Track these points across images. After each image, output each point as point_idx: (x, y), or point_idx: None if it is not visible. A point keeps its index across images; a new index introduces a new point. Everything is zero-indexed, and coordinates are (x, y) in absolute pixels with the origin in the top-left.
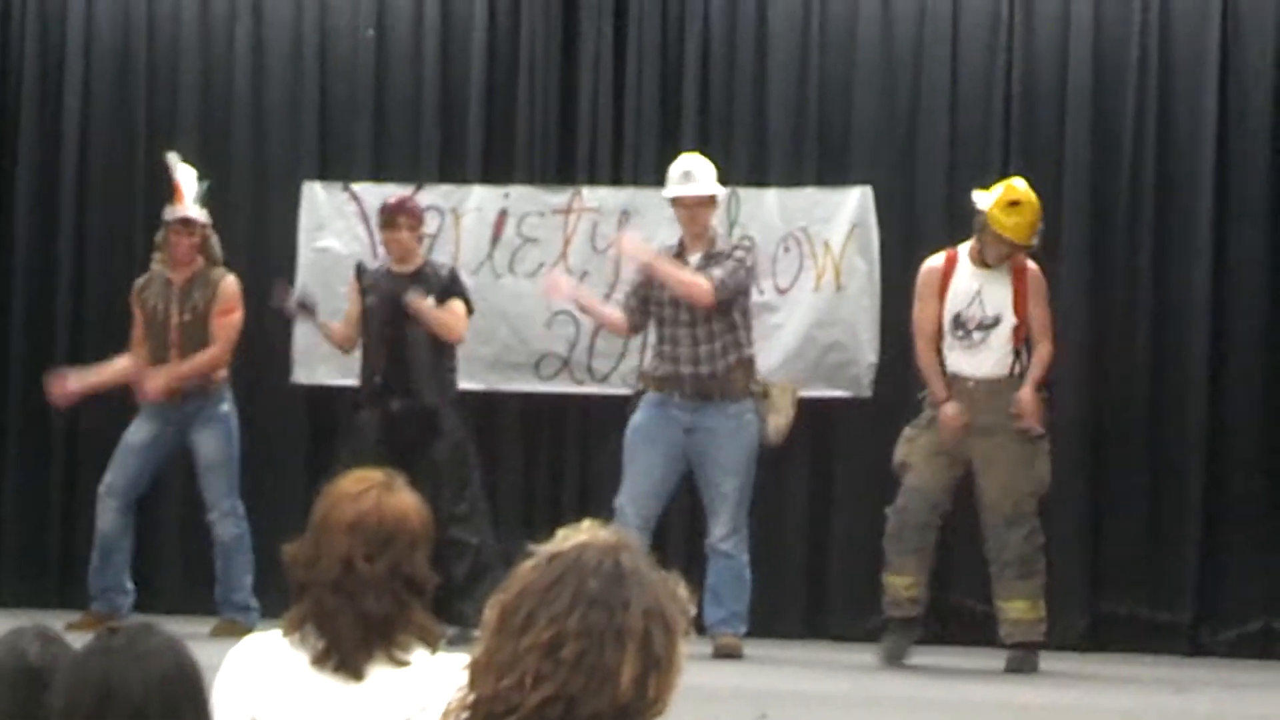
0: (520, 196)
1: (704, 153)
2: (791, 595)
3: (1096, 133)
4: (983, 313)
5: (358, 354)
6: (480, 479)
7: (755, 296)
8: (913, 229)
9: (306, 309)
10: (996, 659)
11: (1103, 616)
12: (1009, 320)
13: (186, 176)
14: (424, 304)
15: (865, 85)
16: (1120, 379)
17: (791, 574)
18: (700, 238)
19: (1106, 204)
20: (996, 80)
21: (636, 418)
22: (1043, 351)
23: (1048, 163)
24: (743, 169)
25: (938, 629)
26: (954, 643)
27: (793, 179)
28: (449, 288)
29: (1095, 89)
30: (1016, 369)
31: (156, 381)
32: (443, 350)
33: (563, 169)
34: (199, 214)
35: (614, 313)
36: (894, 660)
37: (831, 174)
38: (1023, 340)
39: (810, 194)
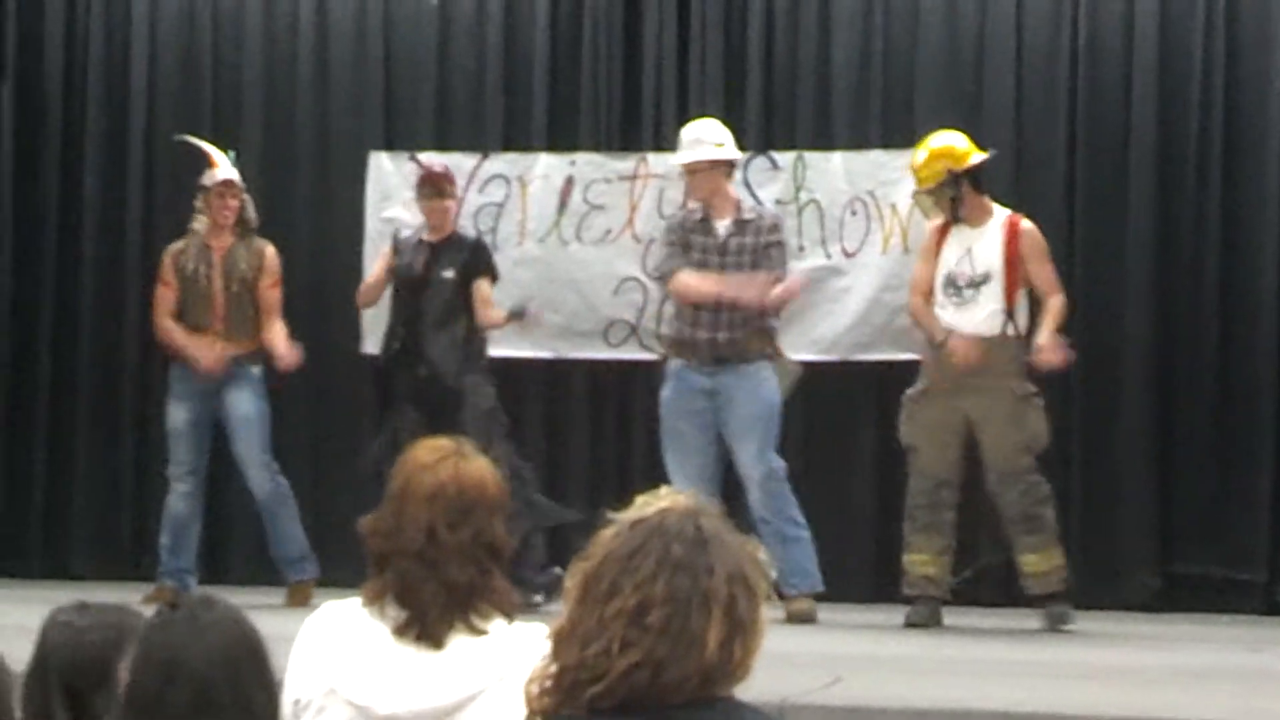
0: (586, 164)
1: (768, 115)
2: (861, 559)
3: (1163, 88)
4: (972, 269)
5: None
6: (511, 448)
7: (823, 260)
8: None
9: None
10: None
11: (1176, 577)
12: (998, 277)
13: (214, 150)
14: (495, 316)
15: (929, 46)
16: (1189, 337)
17: (861, 537)
18: (723, 204)
19: (1173, 158)
20: (1061, 38)
21: (664, 393)
22: (1056, 302)
23: (1114, 120)
24: (808, 132)
25: (1008, 591)
26: (1016, 605)
27: (858, 142)
28: (473, 260)
29: (1161, 44)
30: (1010, 329)
31: (211, 358)
32: (461, 321)
33: (628, 135)
34: (238, 177)
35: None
36: (925, 624)
37: (897, 136)
38: (1014, 299)
39: (876, 157)
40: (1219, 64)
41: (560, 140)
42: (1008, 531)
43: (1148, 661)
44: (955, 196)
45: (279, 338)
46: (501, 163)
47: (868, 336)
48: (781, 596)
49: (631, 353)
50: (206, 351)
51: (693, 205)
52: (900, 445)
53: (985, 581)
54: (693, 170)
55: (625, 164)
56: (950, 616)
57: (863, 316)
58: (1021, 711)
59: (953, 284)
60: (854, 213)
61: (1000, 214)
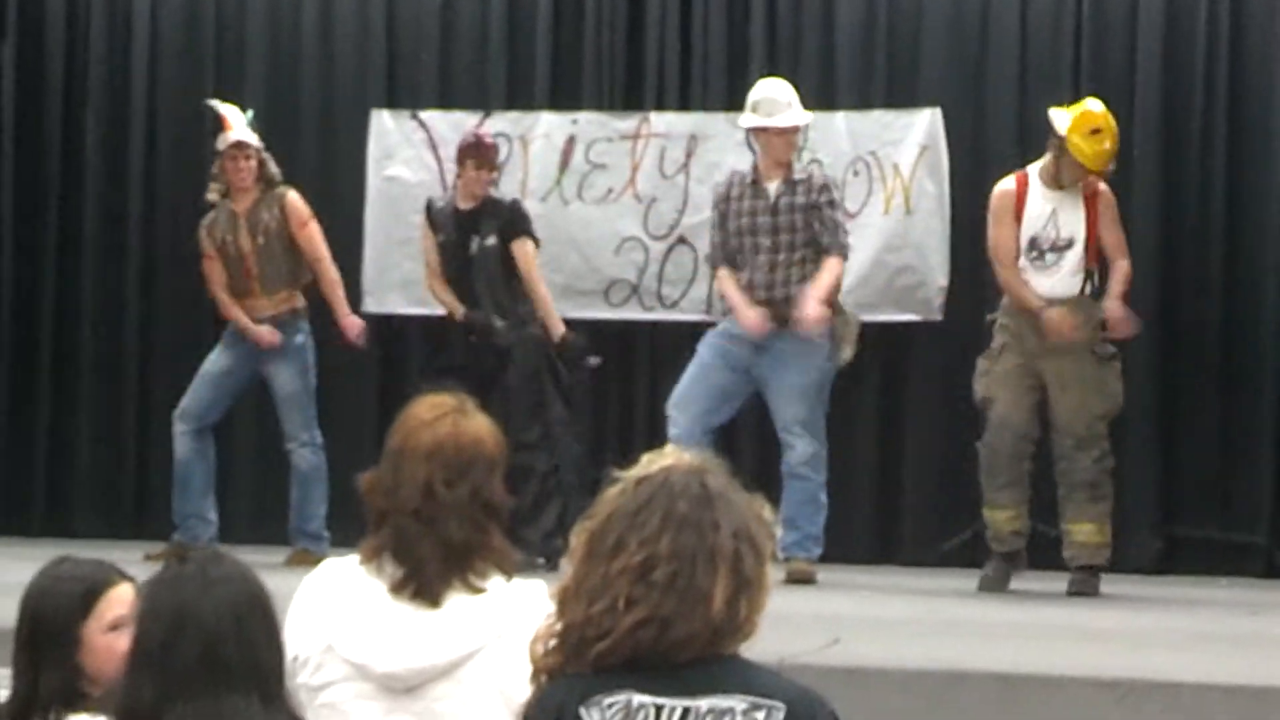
0: (588, 122)
1: (772, 75)
2: (863, 520)
3: (1169, 51)
4: (1057, 234)
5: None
6: (560, 410)
7: None
8: (983, 151)
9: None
10: (1064, 582)
11: (1177, 539)
12: (1081, 241)
13: (230, 110)
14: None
15: (934, 6)
16: (1192, 300)
17: (862, 499)
18: (781, 165)
19: (1179, 122)
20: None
21: (709, 336)
22: (1122, 267)
23: (1119, 82)
24: (811, 92)
25: None
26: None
27: (861, 102)
28: (514, 222)
29: (1167, 6)
30: (1088, 288)
31: (272, 336)
32: (510, 284)
33: (630, 94)
34: (251, 137)
35: (737, 283)
36: (995, 589)
37: (900, 96)
38: (1094, 261)
39: (879, 117)
40: (1224, 19)
41: (562, 99)
42: (1065, 497)
43: (1148, 624)
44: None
45: (339, 305)
46: (503, 121)
47: (870, 297)
48: (781, 553)
49: (633, 313)
50: (262, 332)
51: (740, 169)
52: (974, 402)
53: (984, 544)
54: (777, 134)
55: (627, 123)
56: (948, 579)
57: (864, 277)
58: (1021, 672)
59: (1036, 248)
60: (856, 173)
61: None
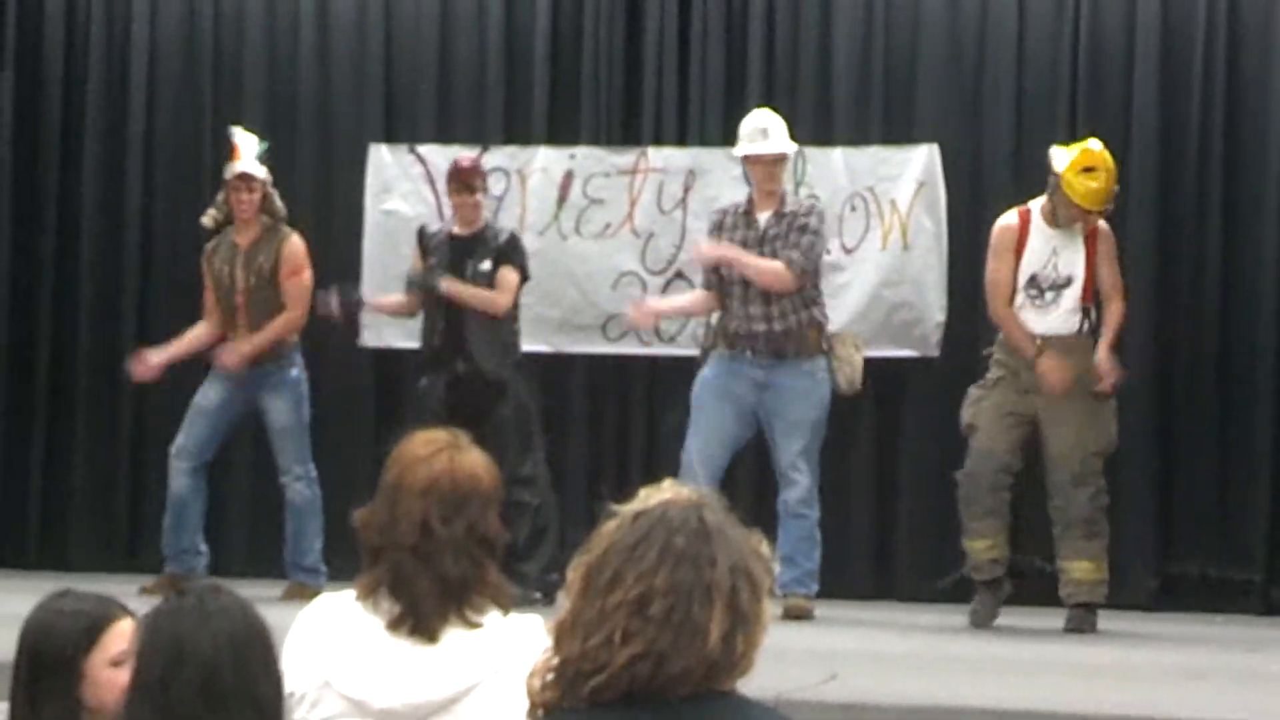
0: (586, 157)
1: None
2: (860, 556)
3: (1164, 89)
4: (1056, 273)
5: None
6: (543, 442)
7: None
8: (980, 187)
9: (350, 305)
10: (1060, 618)
11: (1173, 576)
12: (1080, 280)
13: (246, 139)
14: (456, 287)
15: (931, 42)
16: (1188, 338)
17: (859, 534)
18: (772, 195)
19: (1175, 161)
20: (1064, 36)
21: (706, 372)
22: (1115, 310)
23: (1115, 120)
24: (808, 128)
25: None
26: (1019, 602)
27: (859, 138)
28: (505, 252)
29: (1163, 44)
30: (1085, 326)
31: (233, 356)
32: (502, 318)
33: (628, 129)
34: (257, 169)
35: (693, 297)
36: (984, 623)
37: (898, 132)
38: (1090, 299)
39: (876, 153)
40: (1220, 59)
41: (560, 133)
42: (1061, 534)
43: (1145, 660)
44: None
45: (261, 334)
46: (501, 155)
47: (867, 333)
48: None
49: (630, 347)
50: (229, 351)
51: (737, 200)
52: (960, 430)
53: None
54: (756, 162)
55: (625, 158)
56: (945, 615)
57: (862, 312)
58: (1017, 709)
59: (1036, 286)
60: (853, 208)
61: None
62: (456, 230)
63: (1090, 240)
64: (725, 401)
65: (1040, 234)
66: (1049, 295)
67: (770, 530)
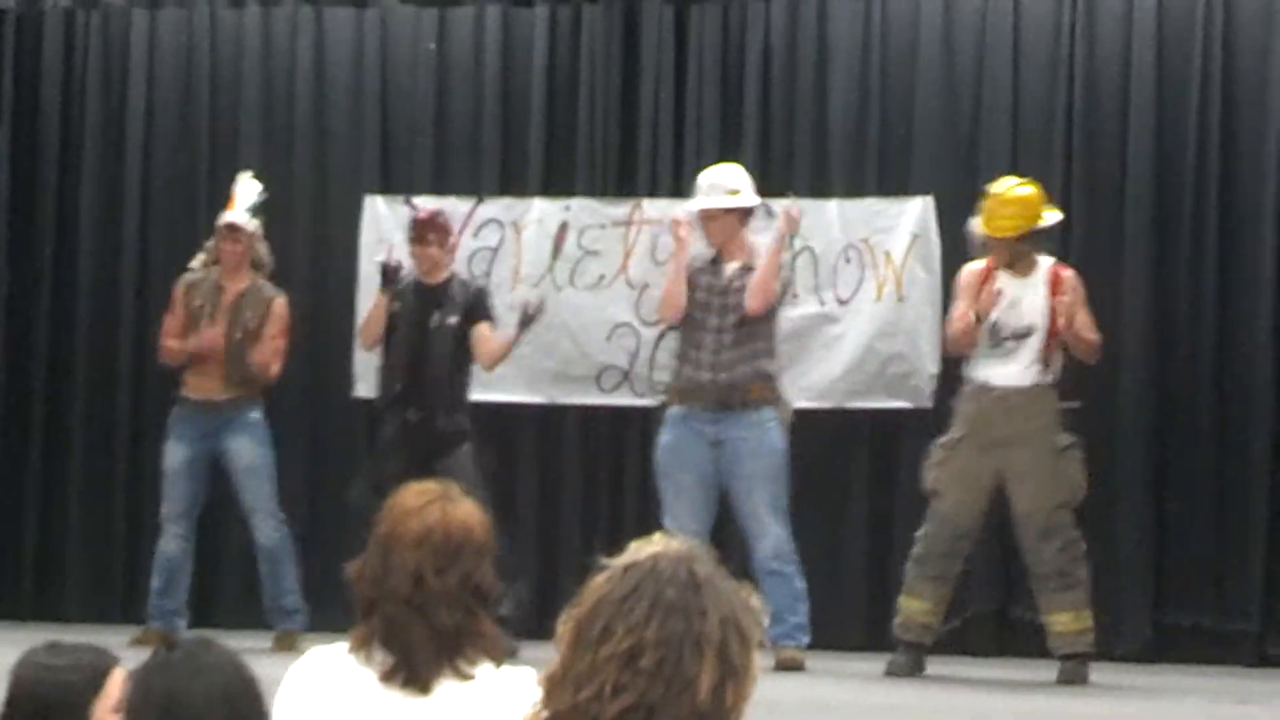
0: (581, 209)
1: (765, 163)
2: (853, 607)
3: (1160, 140)
4: (1017, 321)
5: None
6: (489, 493)
7: (816, 307)
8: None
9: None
10: (1054, 670)
11: (1167, 628)
12: (1041, 331)
13: (246, 187)
14: (510, 334)
15: (926, 94)
16: (1183, 387)
17: (853, 585)
18: (737, 249)
19: (1170, 212)
20: (1058, 88)
21: (664, 439)
22: (1094, 336)
23: (1111, 171)
24: (804, 179)
25: (998, 640)
26: (1014, 654)
27: (854, 189)
28: (475, 306)
29: (1158, 97)
30: (1047, 378)
31: (211, 338)
32: (462, 367)
33: (623, 181)
34: (245, 221)
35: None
36: (904, 675)
37: (892, 184)
38: (1051, 350)
39: (871, 204)
40: (1215, 105)
41: (555, 185)
42: (1037, 588)
43: (1138, 713)
44: (1019, 250)
45: (249, 356)
46: (496, 207)
47: (861, 384)
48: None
49: (624, 399)
50: (206, 335)
51: (706, 249)
52: (923, 491)
53: (974, 631)
54: (709, 217)
55: (620, 210)
56: (939, 665)
57: (856, 364)
58: None
59: (995, 334)
60: (848, 260)
61: (1044, 263)
62: (425, 280)
63: (1055, 288)
64: (687, 470)
65: (1003, 282)
66: (1009, 344)
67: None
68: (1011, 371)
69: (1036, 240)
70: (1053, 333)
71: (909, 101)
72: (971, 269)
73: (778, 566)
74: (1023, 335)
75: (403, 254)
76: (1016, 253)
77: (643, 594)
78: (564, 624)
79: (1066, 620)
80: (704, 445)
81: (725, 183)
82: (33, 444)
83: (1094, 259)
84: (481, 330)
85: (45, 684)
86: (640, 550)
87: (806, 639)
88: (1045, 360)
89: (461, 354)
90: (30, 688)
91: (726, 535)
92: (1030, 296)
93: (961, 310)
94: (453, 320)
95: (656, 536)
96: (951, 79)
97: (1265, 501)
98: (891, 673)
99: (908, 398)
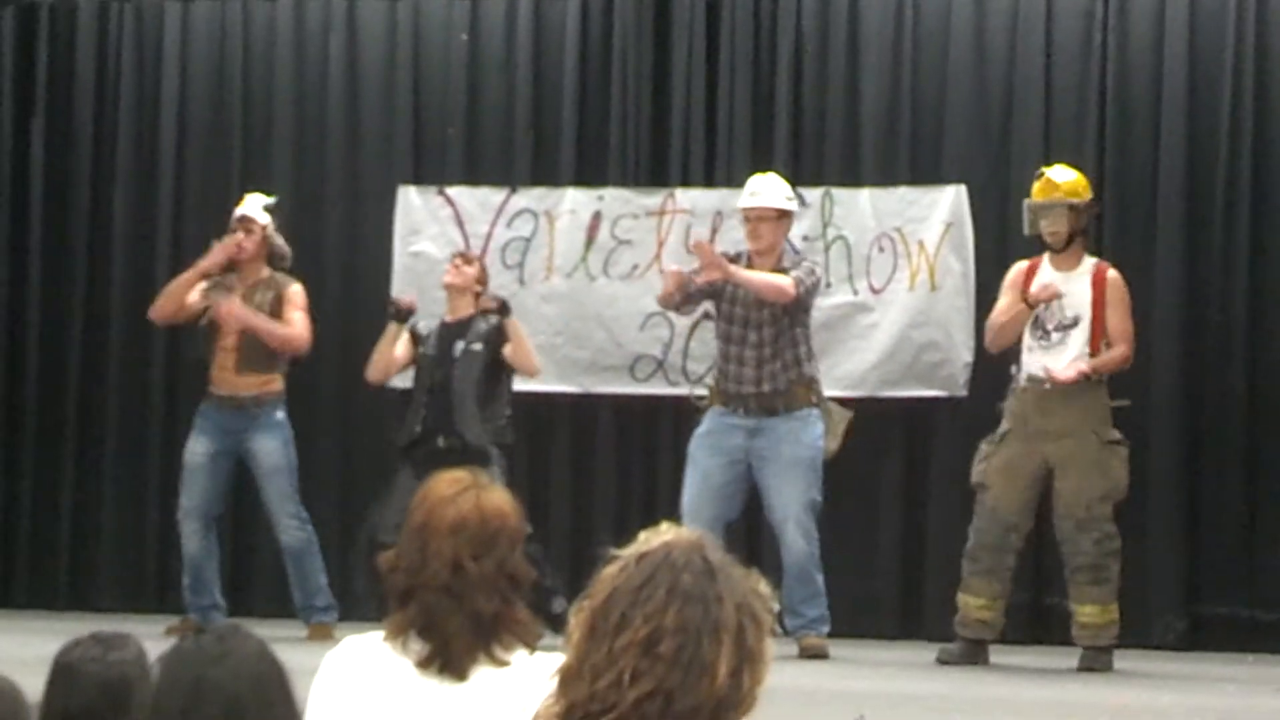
0: (614, 199)
1: (796, 153)
2: (886, 596)
3: (1192, 130)
4: (1062, 314)
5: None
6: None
7: (850, 296)
8: (1007, 227)
9: (403, 312)
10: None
11: (1202, 617)
12: (1086, 322)
13: (254, 201)
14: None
15: (958, 83)
16: (1215, 378)
17: (886, 574)
18: (768, 254)
19: (1202, 201)
20: (1091, 77)
21: (701, 428)
22: (1118, 350)
23: (1143, 161)
24: (836, 169)
25: (1032, 629)
26: (1048, 642)
27: (886, 178)
28: (500, 326)
29: (1190, 85)
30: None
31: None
32: (494, 398)
33: (656, 171)
34: (259, 214)
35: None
36: (953, 662)
37: (925, 173)
38: (1099, 345)
39: (904, 193)
40: (1248, 95)
41: (588, 175)
42: (1071, 579)
43: (1174, 702)
44: (1076, 230)
45: (263, 322)
46: (529, 197)
47: (895, 373)
48: (787, 632)
49: (658, 388)
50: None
51: (743, 250)
52: (971, 485)
53: (1009, 619)
54: (760, 218)
55: (652, 199)
56: None
57: (890, 353)
58: None
59: (1041, 327)
60: (881, 249)
61: (1088, 261)
62: (448, 319)
63: (1099, 285)
64: (716, 455)
65: (1047, 275)
66: (1055, 336)
67: (772, 577)
68: (1059, 364)
69: (1084, 232)
70: (1097, 327)
71: (941, 90)
72: (1017, 268)
73: (800, 560)
74: (1068, 326)
75: (433, 244)
76: (1071, 233)
77: (659, 582)
78: (577, 615)
79: (1093, 613)
80: (740, 434)
81: (767, 189)
82: (66, 436)
83: (1126, 249)
84: (512, 327)
85: (88, 675)
86: (650, 540)
87: (826, 628)
88: (1094, 352)
89: (489, 376)
90: (73, 680)
91: (755, 523)
92: (1074, 289)
93: (1009, 302)
94: (477, 347)
95: (664, 526)
96: (983, 68)
97: None
98: (942, 660)
99: (941, 387)
